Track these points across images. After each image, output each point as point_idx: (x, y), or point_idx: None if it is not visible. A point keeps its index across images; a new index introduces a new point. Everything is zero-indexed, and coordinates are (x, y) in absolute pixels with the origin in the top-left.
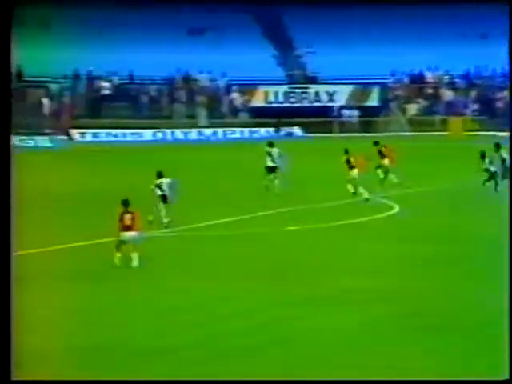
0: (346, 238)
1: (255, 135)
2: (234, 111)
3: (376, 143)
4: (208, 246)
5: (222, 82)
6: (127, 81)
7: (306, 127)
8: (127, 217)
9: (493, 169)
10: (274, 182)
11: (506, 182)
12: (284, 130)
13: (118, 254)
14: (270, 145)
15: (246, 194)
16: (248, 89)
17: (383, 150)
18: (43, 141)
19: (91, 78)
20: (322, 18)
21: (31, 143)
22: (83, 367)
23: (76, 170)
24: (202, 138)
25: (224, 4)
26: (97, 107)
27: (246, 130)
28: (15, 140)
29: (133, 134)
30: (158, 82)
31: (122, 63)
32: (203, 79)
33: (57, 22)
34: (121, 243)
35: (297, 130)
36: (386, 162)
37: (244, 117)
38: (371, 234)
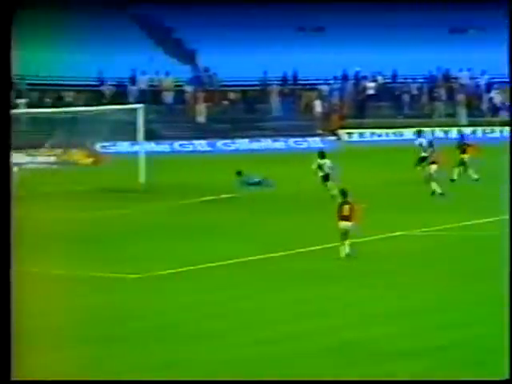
0: None
1: None
2: (494, 110)
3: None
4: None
5: (482, 80)
6: (390, 80)
7: None
8: (346, 207)
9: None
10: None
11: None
12: None
13: (342, 246)
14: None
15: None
16: (509, 87)
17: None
18: (315, 142)
19: (358, 79)
20: None
21: (305, 145)
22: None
23: (345, 169)
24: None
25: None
26: (362, 107)
27: (506, 129)
28: (291, 142)
29: (394, 133)
30: (419, 80)
31: (386, 63)
32: (463, 77)
33: (331, 24)
34: (342, 234)
35: None
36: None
37: (504, 116)
38: None
